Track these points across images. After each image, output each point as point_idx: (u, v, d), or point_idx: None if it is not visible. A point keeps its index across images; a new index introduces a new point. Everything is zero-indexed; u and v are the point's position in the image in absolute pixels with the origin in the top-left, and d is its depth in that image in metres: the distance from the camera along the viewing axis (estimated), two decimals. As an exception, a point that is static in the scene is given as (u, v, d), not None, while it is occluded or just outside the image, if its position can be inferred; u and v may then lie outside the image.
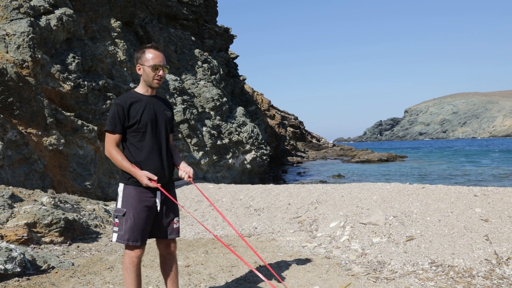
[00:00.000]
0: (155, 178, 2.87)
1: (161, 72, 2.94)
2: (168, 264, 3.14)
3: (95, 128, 10.45)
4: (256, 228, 6.49)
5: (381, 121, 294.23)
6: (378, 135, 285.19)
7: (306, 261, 4.69)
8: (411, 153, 58.56)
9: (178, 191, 10.43)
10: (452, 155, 52.27)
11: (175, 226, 3.09)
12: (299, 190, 8.17)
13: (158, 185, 2.88)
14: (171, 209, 3.08)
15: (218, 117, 17.27)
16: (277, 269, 4.38)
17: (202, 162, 15.62)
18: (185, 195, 9.78)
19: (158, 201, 2.96)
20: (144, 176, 2.84)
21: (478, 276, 3.91)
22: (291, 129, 45.07)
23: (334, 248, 5.14)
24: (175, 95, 15.37)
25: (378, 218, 5.62)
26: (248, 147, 18.19)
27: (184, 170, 3.04)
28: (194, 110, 15.82)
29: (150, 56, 2.92)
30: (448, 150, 67.05)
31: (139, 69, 2.97)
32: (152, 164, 2.92)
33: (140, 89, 3.04)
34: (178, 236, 3.15)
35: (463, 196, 6.14)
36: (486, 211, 5.32)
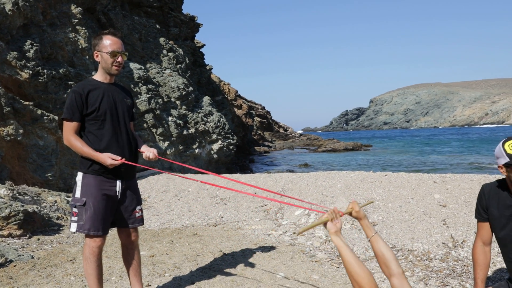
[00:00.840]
0: (119, 157, 2.82)
1: (120, 59, 2.88)
2: (130, 254, 3.10)
3: (56, 117, 10.13)
4: (222, 217, 6.49)
5: (347, 111, 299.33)
6: (344, 124, 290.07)
7: (271, 248, 4.73)
8: (376, 142, 59.86)
9: (143, 181, 10.29)
10: (416, 143, 53.77)
11: (137, 214, 3.06)
12: (266, 179, 8.22)
13: (123, 160, 2.84)
14: (133, 197, 3.04)
15: (184, 107, 17.08)
16: (242, 257, 4.40)
17: (168, 152, 15.45)
18: (150, 186, 9.66)
19: (119, 190, 2.91)
20: (107, 158, 2.79)
21: (435, 259, 4.06)
22: (258, 119, 45.16)
23: (299, 236, 5.21)
24: (140, 84, 15.08)
25: (342, 206, 5.73)
26: (214, 136, 18.10)
27: (148, 150, 3.02)
28: (160, 100, 15.58)
29: (108, 42, 2.85)
30: (411, 139, 68.88)
31: (97, 56, 2.90)
32: (112, 152, 2.86)
33: (99, 76, 2.96)
34: (142, 224, 3.11)
35: (423, 183, 6.34)
36: (444, 197, 5.52)
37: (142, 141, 3.19)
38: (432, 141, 59.30)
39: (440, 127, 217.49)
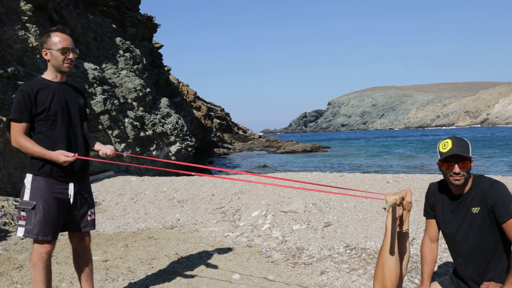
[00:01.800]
0: (71, 154, 2.75)
1: (71, 56, 2.80)
2: (82, 258, 3.01)
3: (4, 119, 9.69)
4: (179, 219, 6.42)
5: (305, 113, 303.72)
6: (303, 126, 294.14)
7: (227, 250, 4.73)
8: (334, 144, 60.98)
9: (98, 184, 10.02)
10: (373, 145, 55.18)
11: (89, 218, 2.98)
12: (223, 181, 8.20)
13: (76, 155, 2.76)
14: (85, 200, 2.96)
15: (141, 108, 16.76)
16: (199, 259, 4.37)
17: (125, 154, 15.10)
18: (106, 189, 9.42)
19: (71, 193, 2.83)
20: (60, 155, 2.71)
21: (387, 257, 4.18)
22: (218, 121, 44.99)
23: (256, 237, 5.23)
24: (95, 85, 14.67)
25: (298, 206, 5.80)
26: (172, 138, 17.87)
27: (104, 147, 2.97)
28: (116, 101, 15.22)
29: (57, 39, 2.77)
30: (369, 141, 70.61)
31: (46, 54, 2.81)
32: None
33: (48, 75, 2.87)
34: (94, 228, 3.03)
35: (377, 183, 6.53)
36: (396, 196, 5.69)
37: (95, 139, 3.12)
38: (389, 142, 60.98)
39: (395, 129, 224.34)
